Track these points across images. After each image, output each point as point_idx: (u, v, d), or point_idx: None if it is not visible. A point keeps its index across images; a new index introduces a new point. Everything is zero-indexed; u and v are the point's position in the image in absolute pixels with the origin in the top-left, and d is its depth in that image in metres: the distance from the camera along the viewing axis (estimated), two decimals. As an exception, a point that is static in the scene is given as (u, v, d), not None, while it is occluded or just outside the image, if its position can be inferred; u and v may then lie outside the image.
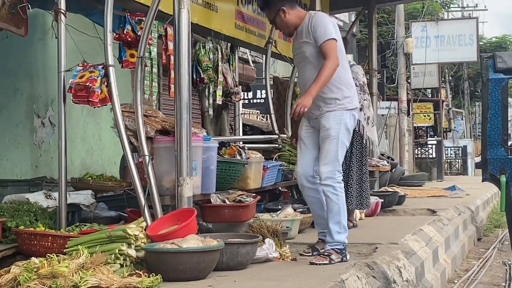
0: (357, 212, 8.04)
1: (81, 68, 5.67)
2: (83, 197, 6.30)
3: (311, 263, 5.38)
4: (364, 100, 7.51)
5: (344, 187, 7.42)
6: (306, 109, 5.32)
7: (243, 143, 8.46)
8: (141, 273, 4.51)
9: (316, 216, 5.83)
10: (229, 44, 9.16)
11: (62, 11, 5.68)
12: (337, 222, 5.48)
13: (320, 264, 5.32)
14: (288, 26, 5.72)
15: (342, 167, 7.41)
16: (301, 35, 5.62)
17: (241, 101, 10.96)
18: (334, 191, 5.49)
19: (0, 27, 6.15)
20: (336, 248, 5.46)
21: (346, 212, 5.60)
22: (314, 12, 5.81)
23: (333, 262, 5.35)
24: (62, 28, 5.67)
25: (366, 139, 7.63)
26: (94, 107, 5.71)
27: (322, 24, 5.51)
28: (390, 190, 11.49)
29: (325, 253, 5.45)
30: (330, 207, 5.49)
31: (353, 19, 21.37)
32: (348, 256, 5.53)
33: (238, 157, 7.00)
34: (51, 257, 4.40)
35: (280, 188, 8.68)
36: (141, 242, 4.84)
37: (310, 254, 5.68)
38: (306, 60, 5.62)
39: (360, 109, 7.45)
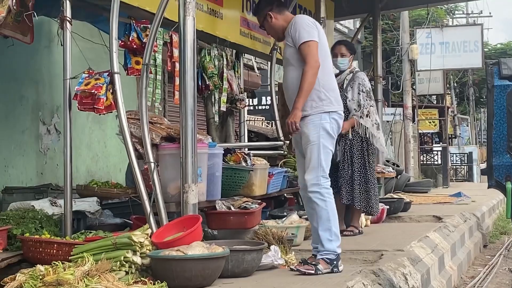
0: (363, 219, 8.03)
1: (87, 75, 5.68)
2: (89, 204, 6.30)
3: (292, 270, 5.31)
4: (371, 106, 7.50)
5: (349, 190, 7.45)
6: (297, 123, 5.37)
7: (249, 149, 8.46)
8: (146, 280, 4.51)
9: (313, 229, 5.65)
10: (234, 51, 9.17)
11: (68, 18, 5.69)
12: (327, 229, 5.36)
13: (303, 272, 5.18)
14: (276, 31, 5.77)
15: (345, 170, 7.45)
16: (286, 38, 5.65)
17: (246, 108, 10.98)
18: (321, 197, 5.39)
19: (6, 35, 6.16)
20: (326, 258, 5.31)
21: (337, 219, 5.47)
22: (297, 16, 5.86)
23: (320, 272, 5.20)
24: (67, 36, 5.69)
25: (375, 145, 7.60)
26: (100, 114, 5.71)
27: (300, 26, 5.51)
28: (395, 196, 11.48)
29: (313, 262, 5.29)
30: (319, 213, 5.38)
31: (358, 25, 21.39)
32: (341, 267, 5.36)
33: (244, 164, 7.00)
34: (57, 265, 4.40)
35: (285, 194, 8.67)
36: (147, 249, 4.83)
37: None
38: (287, 62, 5.64)
39: (367, 115, 7.45)
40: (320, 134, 5.42)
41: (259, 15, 5.85)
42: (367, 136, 7.48)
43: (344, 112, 7.28)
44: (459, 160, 30.32)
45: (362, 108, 7.43)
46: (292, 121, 5.37)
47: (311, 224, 5.69)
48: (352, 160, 7.48)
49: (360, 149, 7.51)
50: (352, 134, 7.46)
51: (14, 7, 5.74)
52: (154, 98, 6.64)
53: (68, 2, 5.74)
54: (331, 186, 7.03)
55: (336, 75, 7.43)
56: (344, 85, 7.52)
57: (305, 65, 5.39)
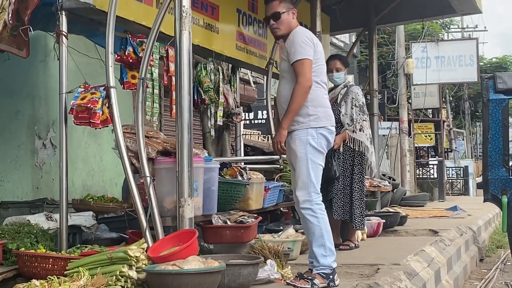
0: (359, 233, 8.02)
1: (83, 89, 5.68)
2: (84, 219, 6.29)
3: (288, 284, 5.30)
4: (364, 120, 7.49)
5: (341, 205, 7.44)
6: (282, 143, 5.44)
7: (245, 163, 8.45)
8: (142, 295, 4.49)
9: (309, 243, 5.57)
10: (230, 65, 9.18)
11: (64, 33, 5.71)
12: (321, 245, 5.33)
13: (299, 287, 5.18)
14: (287, 28, 5.61)
15: (336, 185, 7.43)
16: (283, 51, 5.68)
17: (243, 122, 10.96)
18: (313, 213, 5.35)
19: (2, 49, 6.17)
20: (322, 273, 5.30)
21: (330, 234, 5.44)
22: (296, 28, 5.66)
23: (315, 287, 5.20)
24: (63, 50, 5.70)
25: (369, 159, 7.61)
26: (96, 129, 5.71)
27: (296, 43, 5.47)
28: (391, 210, 11.47)
29: (309, 277, 5.28)
30: (312, 230, 5.36)
31: (353, 40, 21.45)
32: (337, 281, 5.35)
33: (240, 178, 6.99)
34: (52, 279, 4.39)
35: (281, 208, 8.66)
36: (143, 264, 4.82)
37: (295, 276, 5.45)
38: (282, 74, 5.67)
39: (360, 130, 7.45)
40: (307, 150, 5.40)
41: (284, 3, 5.63)
42: (361, 150, 7.48)
43: (337, 127, 7.32)
44: (455, 174, 30.35)
45: (354, 122, 7.43)
46: (277, 141, 5.46)
47: (307, 238, 5.63)
48: (344, 175, 7.47)
49: (351, 163, 7.50)
50: (343, 148, 7.45)
51: (10, 22, 5.74)
52: (152, 112, 6.65)
53: (64, 16, 5.76)
54: (323, 201, 7.03)
55: (331, 89, 7.46)
56: (338, 99, 7.53)
57: (296, 84, 5.39)
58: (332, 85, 7.58)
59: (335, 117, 7.34)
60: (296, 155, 5.43)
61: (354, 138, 7.42)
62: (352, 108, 7.47)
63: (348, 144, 7.43)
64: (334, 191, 7.41)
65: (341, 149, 7.41)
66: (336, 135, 7.31)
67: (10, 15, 5.72)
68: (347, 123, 7.45)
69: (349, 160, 7.48)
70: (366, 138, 7.46)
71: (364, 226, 7.86)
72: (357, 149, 7.46)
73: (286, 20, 5.60)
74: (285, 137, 5.42)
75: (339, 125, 7.36)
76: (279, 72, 5.81)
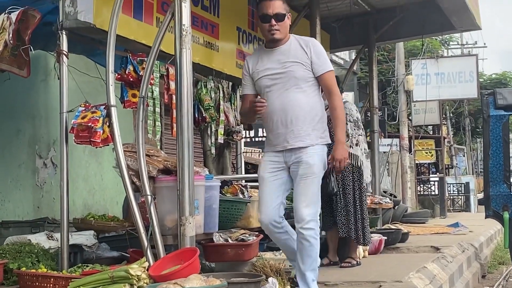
0: (360, 250, 7.99)
1: (83, 108, 5.69)
2: (85, 238, 6.28)
3: None
4: (359, 135, 7.51)
5: (345, 222, 7.42)
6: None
7: (246, 181, 8.45)
8: (143, 314, 4.48)
9: (290, 253, 5.52)
10: (230, 83, 9.20)
11: (65, 52, 5.73)
12: (313, 269, 5.24)
13: None
14: (285, 33, 5.29)
15: (339, 202, 7.42)
16: (287, 54, 5.26)
17: (243, 140, 10.98)
18: (315, 235, 5.17)
19: (3, 69, 6.19)
20: None
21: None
22: (304, 37, 5.46)
23: None
24: (64, 69, 5.72)
25: (363, 174, 7.58)
26: (96, 147, 5.72)
27: (324, 53, 5.31)
28: (393, 227, 11.43)
29: None
30: (309, 253, 5.18)
31: (353, 57, 21.50)
32: None
33: (241, 196, 6.99)
34: (53, 299, 4.38)
35: (282, 226, 8.63)
36: (144, 283, 4.81)
37: None
38: (292, 81, 5.22)
39: (356, 144, 7.46)
40: (321, 167, 5.25)
41: (286, 6, 5.33)
42: (358, 164, 7.47)
43: (333, 143, 7.31)
44: (456, 190, 30.29)
45: (351, 137, 7.44)
46: (345, 158, 5.29)
47: (299, 261, 5.31)
48: (345, 192, 7.45)
49: (351, 179, 7.49)
50: None
51: (11, 42, 5.77)
52: (154, 131, 6.66)
53: (64, 36, 5.79)
54: (326, 219, 7.01)
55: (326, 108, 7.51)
56: None
57: (334, 94, 5.27)
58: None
59: (330, 134, 7.42)
60: (313, 171, 5.18)
61: (350, 152, 7.42)
62: (346, 123, 7.48)
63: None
64: (338, 209, 7.40)
65: None
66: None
67: (10, 35, 5.75)
68: None
69: (349, 176, 7.47)
70: (361, 153, 7.47)
71: (369, 242, 7.82)
72: (354, 164, 7.45)
73: (287, 24, 5.31)
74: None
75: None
76: (279, 77, 5.26)
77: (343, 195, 7.44)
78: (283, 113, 5.23)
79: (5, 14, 5.88)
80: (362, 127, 7.71)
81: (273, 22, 5.22)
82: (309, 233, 5.14)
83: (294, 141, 5.22)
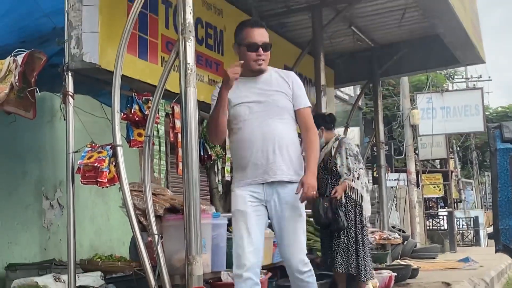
0: (370, 286, 7.91)
1: (89, 148, 5.70)
2: (93, 279, 6.24)
3: None
4: (360, 169, 7.51)
5: (353, 259, 7.36)
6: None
7: (253, 219, 8.40)
8: None
9: None
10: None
11: (70, 93, 5.75)
12: None
13: None
14: (267, 64, 4.94)
15: (340, 238, 7.38)
16: (268, 84, 4.89)
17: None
18: (312, 274, 4.79)
19: (9, 111, 6.21)
20: None
21: None
22: (282, 70, 5.13)
23: None
24: (70, 110, 5.74)
25: (363, 207, 7.54)
26: (103, 187, 5.70)
27: (302, 87, 4.99)
28: (402, 263, 11.35)
29: None
30: None
31: (358, 92, 21.55)
32: None
33: (248, 234, 6.93)
34: None
35: (291, 264, 8.56)
36: (152, 324, 4.76)
37: None
38: (275, 111, 4.82)
39: (358, 178, 7.45)
40: (304, 207, 4.81)
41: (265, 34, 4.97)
42: (358, 198, 7.45)
43: (335, 178, 7.26)
44: (465, 224, 30.13)
45: (352, 171, 7.44)
46: (313, 189, 4.63)
47: None
48: (348, 226, 7.41)
49: (354, 214, 7.46)
50: (345, 199, 7.42)
51: (17, 84, 5.81)
52: (159, 169, 6.65)
53: (70, 77, 5.82)
54: (328, 254, 6.95)
55: (323, 145, 7.52)
56: (332, 153, 7.55)
57: (311, 129, 4.85)
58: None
59: (331, 169, 7.43)
60: (300, 212, 4.77)
61: (352, 186, 7.41)
62: (347, 158, 7.49)
63: (349, 194, 7.42)
64: (339, 244, 7.35)
65: (343, 200, 7.38)
66: (335, 185, 7.38)
67: (17, 77, 5.79)
68: (345, 173, 7.45)
69: (351, 211, 7.44)
70: (361, 187, 7.46)
71: (372, 276, 7.72)
72: (355, 198, 7.43)
73: (269, 53, 4.96)
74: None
75: (337, 176, 7.46)
76: (261, 106, 4.84)
77: (346, 230, 7.40)
78: (264, 142, 4.76)
79: (11, 56, 5.92)
80: (362, 160, 7.72)
81: (261, 51, 4.87)
82: (307, 275, 4.74)
83: (275, 174, 4.75)
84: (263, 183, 4.76)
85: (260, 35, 4.89)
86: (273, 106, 4.82)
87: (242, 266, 4.61)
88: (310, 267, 4.77)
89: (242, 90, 4.88)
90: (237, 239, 4.72)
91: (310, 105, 4.99)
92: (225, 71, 4.68)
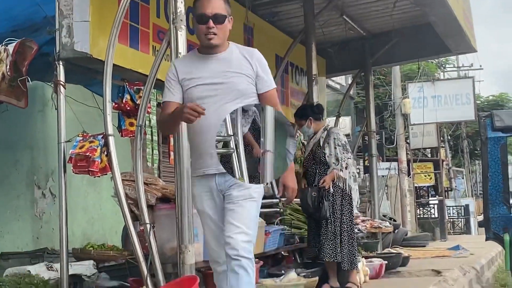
0: (361, 274, 7.96)
1: (81, 138, 5.71)
2: (85, 268, 6.26)
3: None
4: (348, 158, 7.52)
5: (338, 247, 7.38)
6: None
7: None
8: None
9: None
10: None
11: (62, 82, 5.74)
12: None
13: None
14: (223, 38, 4.39)
15: (328, 227, 7.40)
16: (228, 64, 4.36)
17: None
18: (252, 265, 4.16)
19: (1, 100, 6.21)
20: None
21: None
22: (247, 47, 4.62)
23: None
24: (61, 99, 5.74)
25: (351, 196, 7.56)
26: (95, 177, 5.71)
27: (267, 68, 4.50)
28: (393, 251, 11.39)
29: None
30: (247, 283, 4.12)
31: (349, 81, 21.57)
32: None
33: (240, 223, 6.95)
34: (53, 330, 4.35)
35: (282, 252, 8.61)
36: (144, 312, 4.79)
37: None
38: (234, 94, 4.30)
39: (346, 168, 7.47)
40: (261, 192, 4.42)
41: (228, 7, 4.46)
42: (346, 188, 7.47)
43: (323, 168, 7.24)
44: (456, 212, 30.22)
45: (340, 161, 7.46)
46: (295, 188, 4.41)
47: None
48: (334, 216, 7.42)
49: (341, 204, 7.47)
50: (333, 189, 7.43)
51: (8, 73, 5.80)
52: (152, 159, 6.65)
53: (61, 66, 5.81)
54: (315, 244, 6.95)
55: (312, 136, 7.61)
56: (321, 143, 7.57)
57: None
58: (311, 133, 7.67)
59: (320, 159, 7.44)
60: (250, 192, 4.29)
61: (340, 176, 7.43)
62: (335, 148, 7.51)
63: (337, 184, 7.43)
64: (326, 234, 7.36)
65: (331, 190, 7.40)
66: (323, 175, 7.39)
67: (8, 67, 5.78)
68: (333, 163, 7.47)
69: (338, 201, 7.45)
70: (349, 176, 7.48)
71: (356, 266, 7.71)
72: (343, 188, 7.45)
73: (227, 27, 4.42)
74: None
75: (326, 166, 7.48)
76: (219, 88, 4.32)
77: (332, 220, 7.40)
78: (216, 128, 4.23)
79: (2, 45, 5.92)
80: (350, 150, 7.74)
81: (211, 24, 4.30)
82: (243, 263, 4.12)
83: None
84: (215, 174, 4.34)
85: (211, 5, 4.33)
86: (232, 90, 4.32)
87: (216, 262, 4.48)
88: (250, 255, 4.17)
89: (199, 69, 4.40)
90: (205, 236, 4.59)
91: (275, 86, 4.53)
92: (184, 107, 4.10)
